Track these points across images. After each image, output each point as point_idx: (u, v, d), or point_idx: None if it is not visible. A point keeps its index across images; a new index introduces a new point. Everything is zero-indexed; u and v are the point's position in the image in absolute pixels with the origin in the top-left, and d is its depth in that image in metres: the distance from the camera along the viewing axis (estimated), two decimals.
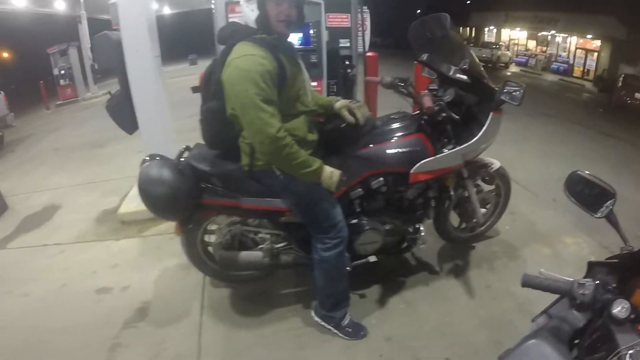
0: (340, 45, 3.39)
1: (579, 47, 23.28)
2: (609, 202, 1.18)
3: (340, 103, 2.08)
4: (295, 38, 3.04)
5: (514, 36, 28.42)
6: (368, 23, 3.67)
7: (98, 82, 13.55)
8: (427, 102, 2.06)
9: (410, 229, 2.32)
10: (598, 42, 21.97)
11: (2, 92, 9.42)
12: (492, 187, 2.75)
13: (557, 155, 5.56)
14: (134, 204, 3.51)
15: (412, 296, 2.44)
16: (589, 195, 1.24)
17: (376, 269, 2.42)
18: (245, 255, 2.18)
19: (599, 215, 1.18)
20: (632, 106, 12.73)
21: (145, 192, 1.92)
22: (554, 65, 23.88)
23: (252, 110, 1.62)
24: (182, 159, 2.03)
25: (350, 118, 2.02)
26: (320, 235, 1.95)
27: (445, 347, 2.08)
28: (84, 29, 12.83)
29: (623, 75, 14.48)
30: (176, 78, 11.56)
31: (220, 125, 1.85)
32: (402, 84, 2.27)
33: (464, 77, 2.22)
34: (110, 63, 3.19)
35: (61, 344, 2.23)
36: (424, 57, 2.36)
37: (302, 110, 1.85)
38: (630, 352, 0.81)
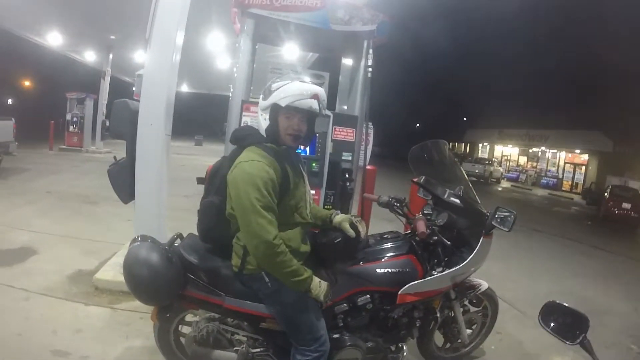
0: (343, 158, 3.50)
1: (568, 162, 24.78)
2: (582, 327, 1.23)
3: (340, 217, 2.10)
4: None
5: (506, 152, 30.45)
6: (371, 138, 3.87)
7: (104, 139, 13.73)
8: (421, 226, 2.09)
9: (393, 348, 2.22)
10: (586, 156, 23.37)
11: (13, 118, 9.41)
12: (479, 308, 2.70)
13: (546, 271, 5.58)
14: (112, 272, 3.39)
15: None
16: (563, 323, 1.30)
17: None
18: (218, 354, 2.04)
19: (573, 342, 1.22)
20: (619, 216, 13.04)
21: (130, 273, 1.87)
22: (544, 180, 25.19)
23: (251, 214, 1.65)
24: (172, 247, 2.00)
25: (351, 232, 2.03)
26: (301, 347, 1.85)
27: None
28: (105, 85, 13.56)
29: (610, 187, 15.01)
30: (180, 155, 11.87)
31: (217, 221, 1.86)
32: (398, 204, 2.33)
33: (458, 201, 2.29)
34: (123, 129, 3.29)
35: None
36: (421, 179, 2.45)
37: (299, 222, 1.88)
38: None
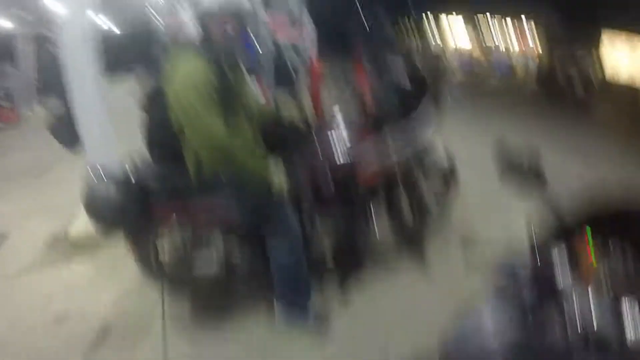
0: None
1: (519, 51, 24.25)
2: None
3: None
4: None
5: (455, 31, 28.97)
6: (309, 26, 3.68)
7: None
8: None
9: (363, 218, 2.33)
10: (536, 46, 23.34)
11: None
12: (440, 175, 2.83)
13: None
14: (82, 225, 3.34)
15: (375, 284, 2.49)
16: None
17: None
18: (197, 256, 2.14)
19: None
20: (570, 97, 13.51)
21: (92, 206, 1.86)
22: (497, 69, 24.95)
23: (196, 120, 1.65)
24: (125, 171, 1.98)
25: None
26: (274, 238, 1.95)
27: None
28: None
29: (561, 69, 15.20)
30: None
31: (164, 136, 1.84)
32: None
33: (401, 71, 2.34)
34: (51, 80, 3.11)
35: None
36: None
37: (245, 118, 1.88)
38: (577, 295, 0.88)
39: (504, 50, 25.40)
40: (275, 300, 2.14)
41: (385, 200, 2.44)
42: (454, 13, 27.91)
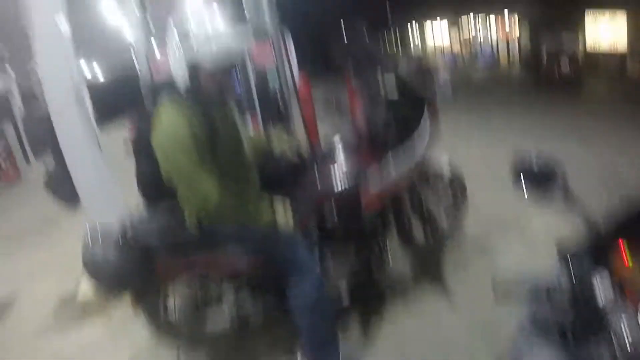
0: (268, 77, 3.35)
1: (500, 38, 24.69)
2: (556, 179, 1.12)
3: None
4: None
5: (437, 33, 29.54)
6: (291, 47, 3.67)
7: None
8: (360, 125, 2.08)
9: (376, 248, 2.25)
10: (517, 32, 23.59)
11: None
12: (448, 190, 2.74)
13: (506, 135, 5.81)
14: (89, 286, 3.25)
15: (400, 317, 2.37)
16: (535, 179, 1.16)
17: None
18: (209, 311, 2.05)
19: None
20: (560, 78, 13.62)
21: (92, 268, 1.79)
22: (481, 60, 25.22)
23: (186, 179, 1.58)
24: (125, 229, 1.89)
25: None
26: (293, 279, 1.84)
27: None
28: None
29: (546, 53, 15.35)
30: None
31: (159, 190, 1.74)
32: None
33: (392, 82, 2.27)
34: (41, 137, 3.06)
35: None
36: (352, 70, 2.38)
37: (240, 166, 1.81)
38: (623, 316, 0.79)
39: (485, 40, 25.80)
40: (299, 348, 2.01)
41: (395, 224, 2.35)
42: (437, 18, 28.48)
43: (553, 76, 13.66)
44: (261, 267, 1.89)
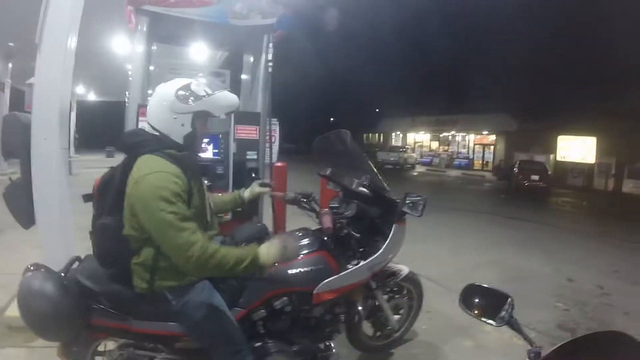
0: (248, 157, 3.40)
1: (477, 143, 27.37)
2: (506, 306, 1.16)
3: (249, 190, 2.16)
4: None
5: (419, 139, 32.55)
6: (277, 134, 3.84)
7: (8, 159, 12.08)
8: (327, 222, 2.05)
9: (321, 346, 2.14)
10: (493, 137, 25.91)
11: None
12: (404, 293, 2.72)
13: (467, 246, 5.91)
14: None
15: None
16: (486, 304, 1.23)
17: None
18: None
19: (499, 323, 1.16)
20: (529, 188, 14.68)
21: (25, 308, 1.63)
22: (456, 162, 27.49)
23: (171, 231, 1.51)
24: (69, 273, 1.77)
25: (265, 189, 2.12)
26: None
27: None
28: (5, 97, 11.62)
29: (518, 162, 16.80)
30: (91, 169, 10.66)
31: (114, 243, 1.65)
32: (305, 200, 2.27)
33: (366, 190, 2.30)
34: (15, 146, 2.89)
35: None
36: (327, 171, 2.45)
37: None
38: None
39: (462, 145, 27.86)
40: None
41: (345, 322, 2.29)
42: (421, 132, 30.97)
43: (522, 187, 14.68)
44: (193, 343, 1.76)
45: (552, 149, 21.12)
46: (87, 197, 1.83)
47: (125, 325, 1.74)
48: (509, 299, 1.17)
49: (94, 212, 1.74)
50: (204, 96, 1.66)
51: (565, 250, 6.23)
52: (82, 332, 1.77)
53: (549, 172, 16.07)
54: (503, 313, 1.16)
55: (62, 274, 1.74)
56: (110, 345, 1.90)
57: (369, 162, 2.49)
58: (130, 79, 3.27)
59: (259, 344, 1.92)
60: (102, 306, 1.74)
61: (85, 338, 1.81)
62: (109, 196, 1.67)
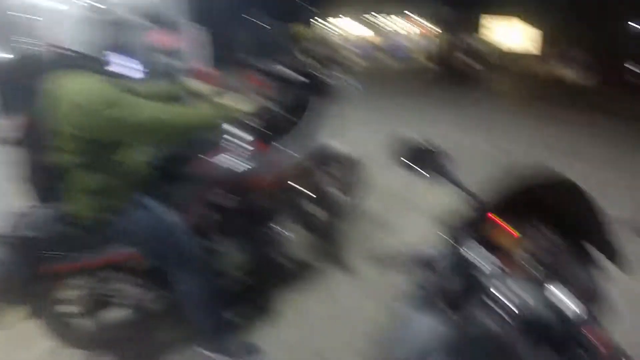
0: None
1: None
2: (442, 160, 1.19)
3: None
4: None
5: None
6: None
7: None
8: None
9: (270, 232, 2.21)
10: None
11: None
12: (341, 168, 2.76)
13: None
14: None
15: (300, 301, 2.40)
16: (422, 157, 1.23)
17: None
18: (106, 316, 1.89)
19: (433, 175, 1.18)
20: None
21: None
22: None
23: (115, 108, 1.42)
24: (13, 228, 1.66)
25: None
26: (178, 271, 1.74)
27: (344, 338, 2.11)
28: None
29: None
30: None
31: (46, 176, 1.57)
32: None
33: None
34: None
35: None
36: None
37: None
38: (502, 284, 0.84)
39: (401, 35, 27.18)
40: (195, 339, 1.91)
41: (291, 207, 2.33)
42: (349, 16, 29.20)
43: (462, 70, 14.79)
44: (149, 260, 1.77)
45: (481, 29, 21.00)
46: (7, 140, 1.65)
47: (74, 264, 1.71)
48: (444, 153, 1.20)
49: (27, 152, 1.59)
50: None
51: None
52: (38, 284, 1.72)
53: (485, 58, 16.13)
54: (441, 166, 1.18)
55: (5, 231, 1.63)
56: (72, 292, 1.87)
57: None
58: None
59: (208, 244, 1.94)
60: (49, 252, 1.67)
61: (43, 288, 1.77)
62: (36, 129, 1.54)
